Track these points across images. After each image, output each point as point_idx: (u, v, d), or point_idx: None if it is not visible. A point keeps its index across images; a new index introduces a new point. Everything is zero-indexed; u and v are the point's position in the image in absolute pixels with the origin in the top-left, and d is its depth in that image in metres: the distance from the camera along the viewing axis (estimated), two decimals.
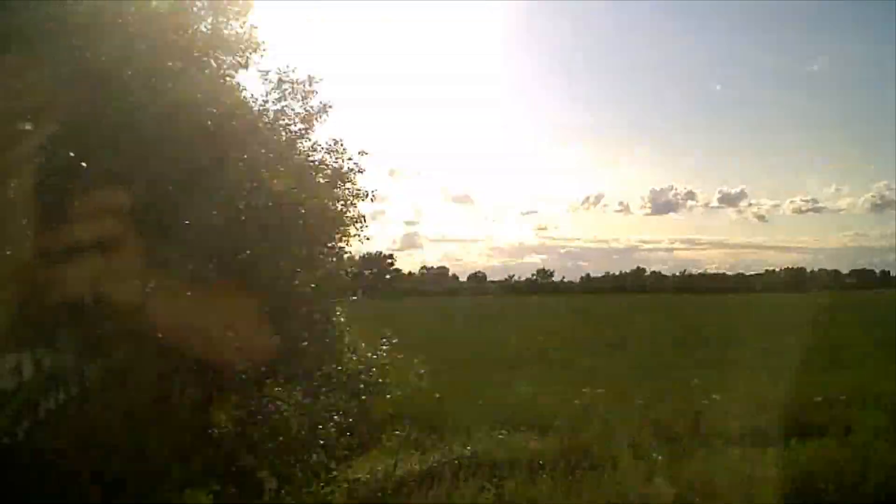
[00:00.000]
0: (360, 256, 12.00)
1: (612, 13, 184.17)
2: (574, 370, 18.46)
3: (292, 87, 9.22)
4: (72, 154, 5.62)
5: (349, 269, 10.16)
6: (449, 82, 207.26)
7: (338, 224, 9.69)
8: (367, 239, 10.37)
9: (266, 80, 9.14)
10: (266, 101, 9.17)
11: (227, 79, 8.28)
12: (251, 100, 8.96)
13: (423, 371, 11.41)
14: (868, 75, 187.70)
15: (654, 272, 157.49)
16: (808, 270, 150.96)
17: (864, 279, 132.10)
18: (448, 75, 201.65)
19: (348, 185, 9.87)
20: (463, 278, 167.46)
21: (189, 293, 6.65)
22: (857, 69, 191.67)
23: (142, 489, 6.92)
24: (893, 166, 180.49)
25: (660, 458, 9.55)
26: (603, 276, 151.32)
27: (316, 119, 9.50)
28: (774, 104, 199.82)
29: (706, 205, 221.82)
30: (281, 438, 7.83)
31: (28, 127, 5.44)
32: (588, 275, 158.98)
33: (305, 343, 8.86)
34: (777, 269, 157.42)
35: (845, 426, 10.87)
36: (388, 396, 10.25)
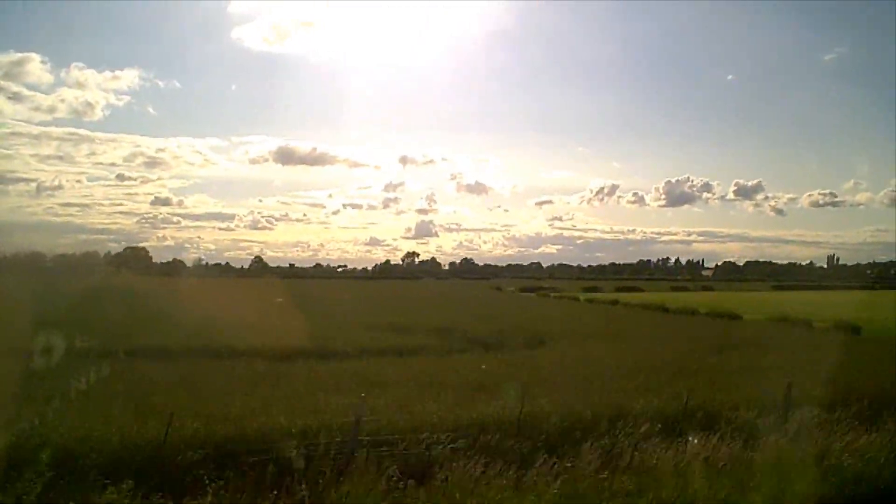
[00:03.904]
0: None
1: (627, 5, 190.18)
2: None
3: None
4: None
5: None
6: (461, 72, 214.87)
7: None
8: None
9: None
10: None
11: None
12: None
13: None
14: (885, 66, 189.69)
15: None
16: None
17: None
18: (461, 66, 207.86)
19: None
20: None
21: None
22: (874, 60, 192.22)
23: None
24: None
25: None
26: None
27: None
28: (788, 95, 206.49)
29: (722, 197, 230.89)
30: None
31: None
32: None
33: None
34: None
35: None
36: None
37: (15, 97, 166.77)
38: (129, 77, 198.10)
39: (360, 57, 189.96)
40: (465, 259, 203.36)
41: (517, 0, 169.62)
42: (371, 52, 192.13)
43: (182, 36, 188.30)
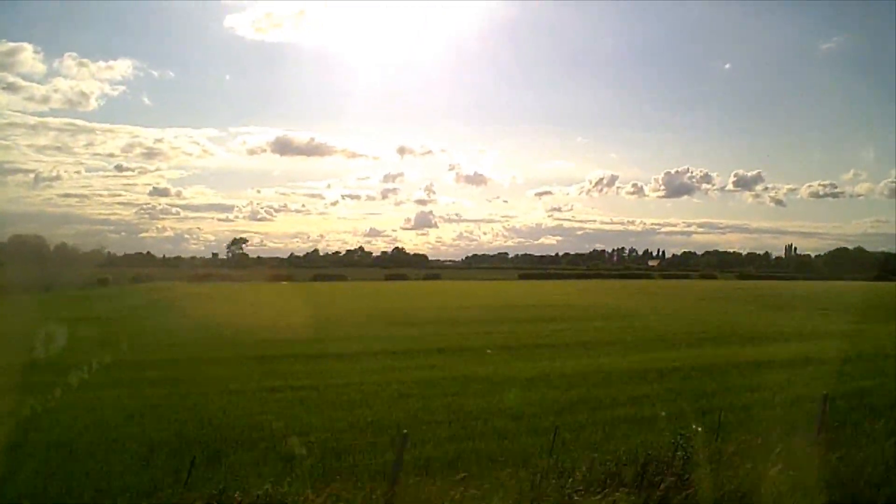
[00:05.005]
0: None
1: None
2: None
3: None
4: None
5: None
6: (459, 62, 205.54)
7: None
8: None
9: None
10: None
11: None
12: None
13: None
14: (884, 55, 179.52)
15: None
16: None
17: None
18: (459, 55, 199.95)
19: None
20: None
21: None
22: (873, 49, 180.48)
23: None
24: None
25: None
26: None
27: None
28: (787, 85, 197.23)
29: (722, 188, 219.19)
30: None
31: None
32: None
33: None
34: None
35: None
36: None
37: (9, 87, 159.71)
38: (123, 67, 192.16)
39: (356, 46, 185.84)
40: (397, 248, 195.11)
41: None
42: (367, 41, 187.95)
43: (174, 25, 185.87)
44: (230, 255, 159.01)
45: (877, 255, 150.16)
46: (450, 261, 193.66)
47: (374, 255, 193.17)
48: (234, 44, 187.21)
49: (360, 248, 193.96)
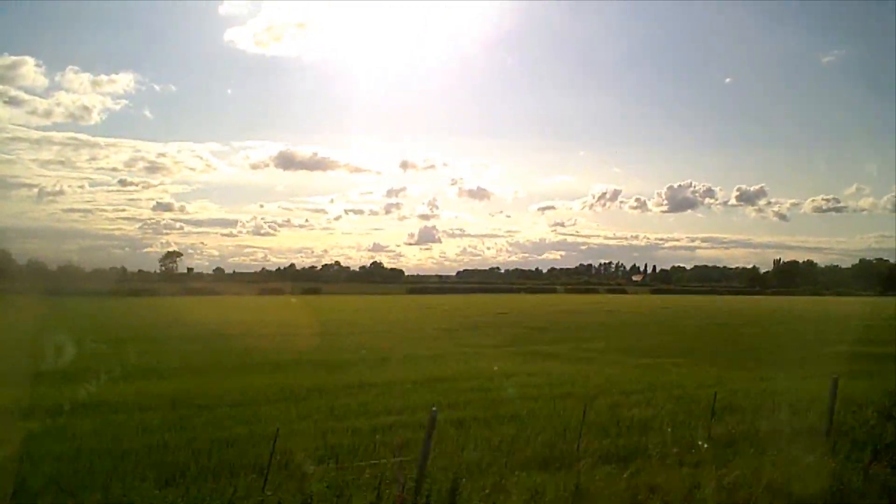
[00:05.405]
0: None
1: (627, 7, 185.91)
2: None
3: None
4: None
5: None
6: (461, 76, 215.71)
7: None
8: None
9: None
10: None
11: None
12: None
13: None
14: (885, 68, 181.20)
15: None
16: None
17: None
18: (460, 69, 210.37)
19: None
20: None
21: None
22: (874, 62, 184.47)
23: None
24: None
25: None
26: None
27: None
28: (788, 98, 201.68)
29: (725, 202, 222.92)
30: None
31: None
32: None
33: None
34: None
35: None
36: None
37: (12, 101, 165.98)
38: (125, 81, 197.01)
39: (357, 60, 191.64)
40: (375, 262, 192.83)
41: (518, 2, 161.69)
42: (369, 55, 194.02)
43: (175, 39, 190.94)
44: (162, 268, 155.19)
45: (819, 270, 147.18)
46: (437, 276, 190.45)
47: (350, 269, 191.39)
48: (236, 58, 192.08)
49: (337, 263, 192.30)
